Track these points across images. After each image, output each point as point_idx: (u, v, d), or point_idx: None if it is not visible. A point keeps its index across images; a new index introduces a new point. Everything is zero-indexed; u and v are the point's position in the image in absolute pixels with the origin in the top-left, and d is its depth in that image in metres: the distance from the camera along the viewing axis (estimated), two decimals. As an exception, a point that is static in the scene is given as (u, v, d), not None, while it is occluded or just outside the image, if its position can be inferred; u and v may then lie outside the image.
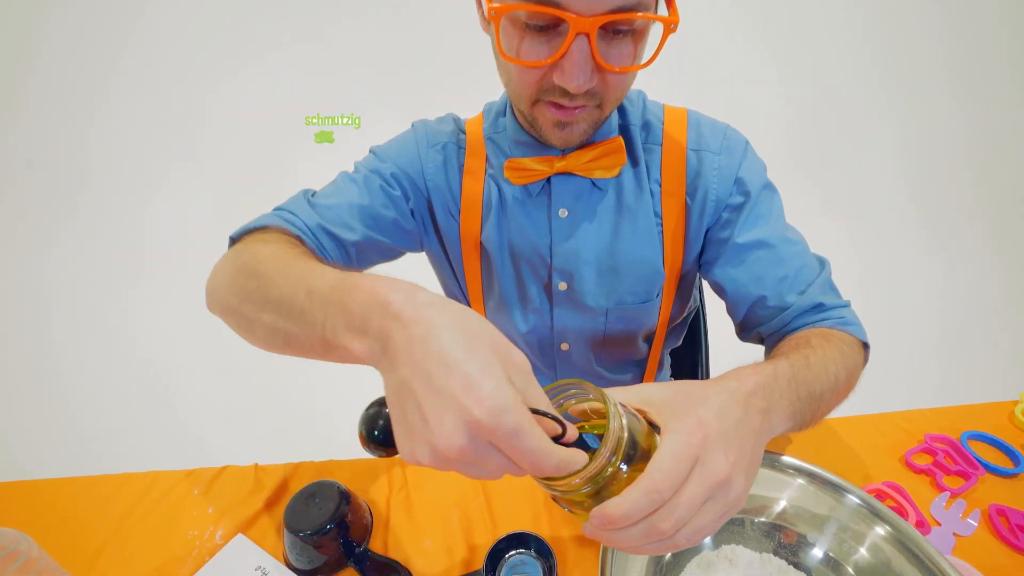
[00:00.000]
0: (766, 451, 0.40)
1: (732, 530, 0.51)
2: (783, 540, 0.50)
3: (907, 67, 2.59)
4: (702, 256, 0.64)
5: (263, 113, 2.45)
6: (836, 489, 0.49)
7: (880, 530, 0.46)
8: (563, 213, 0.60)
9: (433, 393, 0.27)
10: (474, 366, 0.26)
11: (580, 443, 0.30)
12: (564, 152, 0.57)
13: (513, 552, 0.52)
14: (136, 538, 0.54)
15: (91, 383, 1.66)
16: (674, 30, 0.44)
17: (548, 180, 0.59)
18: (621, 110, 0.59)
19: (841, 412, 0.51)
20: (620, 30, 0.44)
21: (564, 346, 0.70)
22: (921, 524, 0.56)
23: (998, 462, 0.63)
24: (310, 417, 1.55)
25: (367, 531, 0.54)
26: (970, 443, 0.65)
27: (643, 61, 0.48)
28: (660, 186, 0.60)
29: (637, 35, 0.45)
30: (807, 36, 2.63)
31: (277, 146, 2.36)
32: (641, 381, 0.78)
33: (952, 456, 0.64)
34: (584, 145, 0.56)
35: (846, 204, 2.29)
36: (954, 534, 0.55)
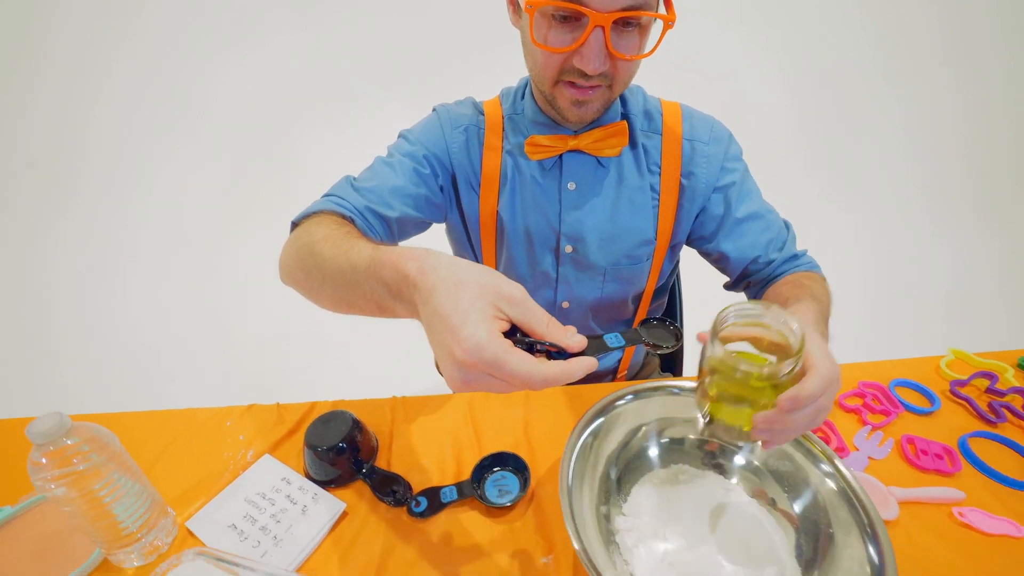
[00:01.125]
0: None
1: (676, 449, 0.61)
2: (708, 450, 0.60)
3: (907, 51, 2.63)
4: (698, 232, 0.76)
5: (264, 98, 2.51)
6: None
7: (798, 447, 0.56)
8: (571, 186, 0.70)
9: (436, 342, 0.35)
10: (456, 316, 0.33)
11: (598, 345, 0.38)
12: (576, 132, 0.67)
13: (496, 468, 0.62)
14: (180, 458, 0.64)
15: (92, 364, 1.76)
16: (671, 27, 0.55)
17: (560, 157, 0.69)
18: (623, 100, 0.69)
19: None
20: (629, 24, 0.54)
21: (565, 304, 0.80)
22: (841, 449, 0.66)
23: (917, 403, 0.73)
24: (325, 367, 1.66)
25: (374, 452, 0.64)
26: (897, 389, 0.75)
27: (645, 51, 0.58)
28: (660, 168, 0.71)
29: (642, 29, 0.56)
30: (807, 21, 2.66)
31: (278, 130, 2.44)
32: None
33: (879, 398, 0.73)
34: (593, 127, 0.66)
35: (844, 189, 2.37)
36: (869, 457, 0.65)
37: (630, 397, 0.59)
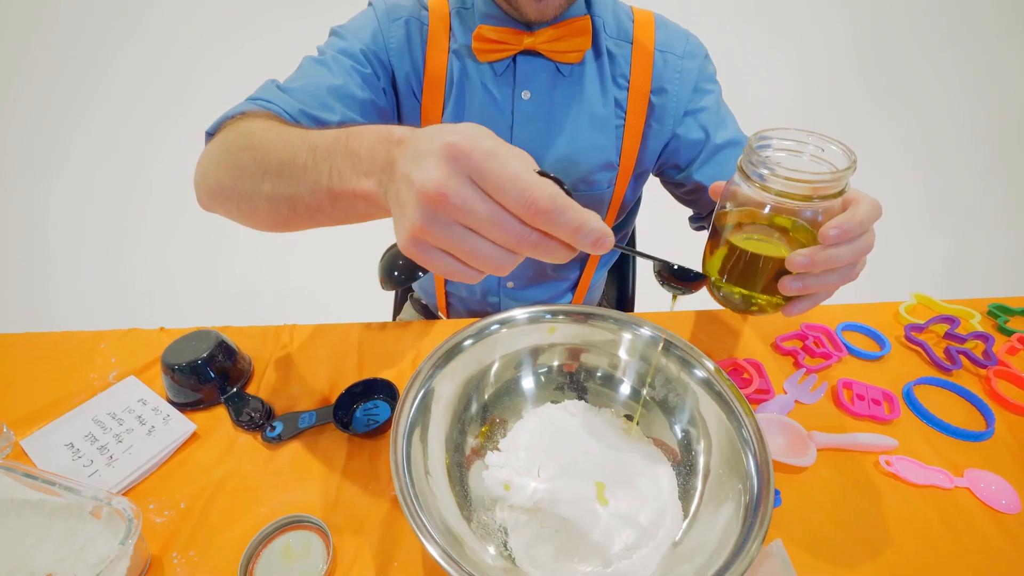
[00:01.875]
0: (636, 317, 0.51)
1: (566, 383, 0.54)
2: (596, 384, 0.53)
3: (909, 56, 2.46)
4: (671, 160, 0.67)
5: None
6: (655, 341, 0.51)
7: (693, 375, 0.49)
8: (526, 95, 0.61)
9: (418, 156, 0.27)
10: (454, 127, 0.27)
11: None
12: (532, 29, 0.58)
13: (373, 397, 0.56)
14: (42, 380, 0.60)
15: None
16: None
17: (513, 60, 0.60)
18: (595, 14, 0.60)
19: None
20: None
21: None
22: (766, 391, 0.58)
23: (865, 347, 0.65)
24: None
25: (243, 377, 0.59)
26: (844, 333, 0.67)
27: None
28: (628, 81, 0.62)
29: None
30: (810, 25, 2.50)
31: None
32: (574, 292, 0.81)
33: (821, 341, 0.65)
34: (552, 23, 0.57)
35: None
36: (796, 401, 0.58)
37: (513, 320, 0.52)
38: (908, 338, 0.66)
